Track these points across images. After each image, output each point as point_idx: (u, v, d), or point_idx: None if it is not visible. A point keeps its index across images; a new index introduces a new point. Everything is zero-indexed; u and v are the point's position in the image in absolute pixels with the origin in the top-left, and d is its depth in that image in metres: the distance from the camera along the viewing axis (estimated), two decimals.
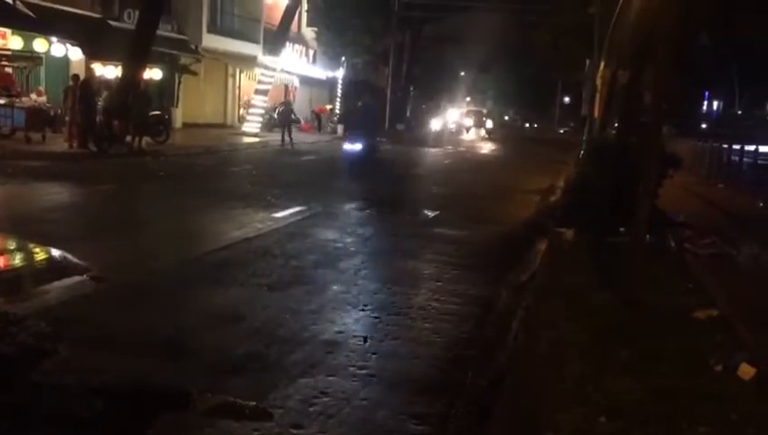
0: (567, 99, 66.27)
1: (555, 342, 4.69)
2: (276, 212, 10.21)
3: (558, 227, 9.67)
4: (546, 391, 3.88)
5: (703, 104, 50.94)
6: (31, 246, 7.15)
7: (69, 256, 6.68)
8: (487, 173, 20.60)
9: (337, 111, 35.77)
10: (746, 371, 4.17)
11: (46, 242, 7.19)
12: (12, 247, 7.15)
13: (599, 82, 22.35)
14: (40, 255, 6.93)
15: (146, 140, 18.30)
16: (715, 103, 51.84)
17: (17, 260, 6.83)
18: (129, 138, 17.52)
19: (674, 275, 6.97)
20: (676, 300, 5.93)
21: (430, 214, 11.38)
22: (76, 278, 6.07)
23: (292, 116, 25.62)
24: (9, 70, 18.90)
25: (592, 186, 10.04)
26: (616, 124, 14.68)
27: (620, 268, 6.92)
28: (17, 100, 17.53)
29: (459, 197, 14.11)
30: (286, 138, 23.70)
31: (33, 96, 18.40)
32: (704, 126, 44.13)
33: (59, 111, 18.00)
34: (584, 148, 17.85)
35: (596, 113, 21.11)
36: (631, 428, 3.37)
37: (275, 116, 26.78)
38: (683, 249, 8.41)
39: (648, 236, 8.26)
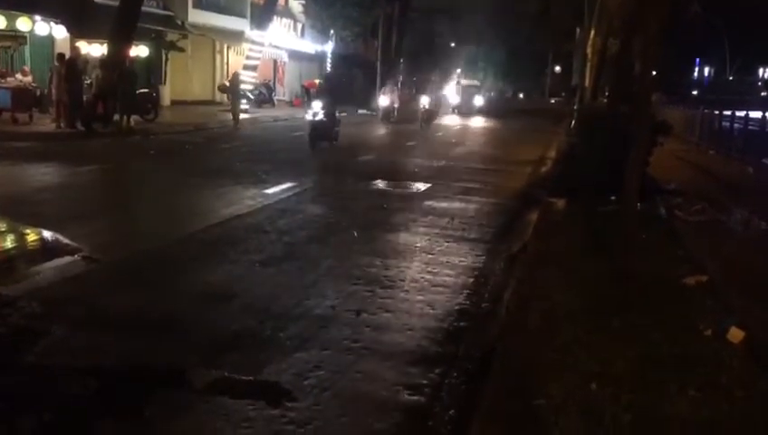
0: (558, 68, 66.03)
1: (547, 311, 4.72)
2: (267, 188, 10.18)
3: (549, 198, 9.71)
4: (538, 359, 3.92)
5: (693, 71, 50.87)
6: (21, 227, 7.11)
7: (60, 237, 6.65)
8: (478, 145, 20.58)
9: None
10: (736, 334, 4.22)
11: (37, 223, 7.15)
12: (2, 229, 7.10)
13: (589, 50, 22.30)
14: (31, 236, 6.90)
15: (134, 118, 18.15)
16: (706, 70, 51.79)
17: (8, 241, 6.80)
18: (117, 117, 17.36)
19: (664, 242, 7.02)
20: (666, 267, 5.97)
21: (421, 187, 11.37)
22: (68, 259, 6.05)
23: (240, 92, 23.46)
24: None
25: (583, 155, 10.07)
26: (606, 93, 14.67)
27: (611, 237, 6.97)
28: (2, 80, 17.32)
29: (450, 169, 14.08)
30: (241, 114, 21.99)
31: (19, 76, 18.18)
32: (694, 93, 44.11)
33: (45, 91, 17.80)
34: (575, 117, 17.84)
35: (587, 82, 21.08)
36: (621, 393, 3.41)
37: (226, 88, 24.00)
38: (673, 216, 8.46)
39: (638, 204, 8.32)
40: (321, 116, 15.27)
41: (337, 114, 16.29)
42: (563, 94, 55.64)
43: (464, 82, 44.93)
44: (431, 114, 25.71)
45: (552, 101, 60.64)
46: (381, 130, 24.61)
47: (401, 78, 44.47)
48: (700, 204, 9.00)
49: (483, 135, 25.80)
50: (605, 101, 14.30)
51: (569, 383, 3.54)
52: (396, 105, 27.71)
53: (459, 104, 38.11)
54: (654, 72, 10.09)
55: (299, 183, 10.79)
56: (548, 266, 5.88)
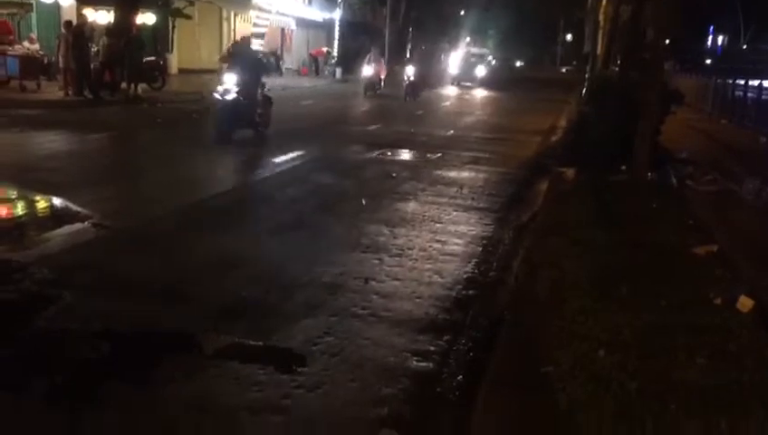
0: (569, 37, 65.14)
1: (555, 280, 4.71)
2: (275, 157, 10.15)
3: (559, 167, 9.64)
4: (546, 327, 3.92)
5: (707, 39, 50.05)
6: (31, 194, 7.13)
7: (70, 204, 6.67)
8: (488, 114, 20.41)
9: (334, 54, 35.19)
10: (745, 303, 4.20)
11: (46, 190, 7.18)
12: (13, 196, 7.13)
13: (601, 18, 21.97)
14: (41, 203, 6.92)
15: (142, 86, 18.07)
16: (720, 38, 50.95)
17: (19, 209, 6.83)
18: (124, 85, 17.29)
19: (674, 211, 6.97)
20: (676, 236, 5.94)
21: (431, 156, 11.31)
22: (77, 226, 6.08)
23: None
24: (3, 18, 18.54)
25: (594, 124, 9.97)
26: (618, 61, 14.48)
27: (621, 206, 6.92)
28: (10, 48, 17.24)
29: (460, 138, 14.00)
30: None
31: (26, 44, 18.08)
32: (708, 61, 43.46)
33: (52, 59, 17.72)
34: (586, 86, 17.64)
35: (598, 51, 20.80)
36: (629, 360, 3.41)
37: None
38: (684, 186, 8.39)
39: (649, 173, 8.27)
40: (233, 95, 11.21)
41: (261, 92, 12.21)
42: (574, 63, 54.96)
43: (464, 50, 41.66)
44: (416, 86, 22.96)
45: (563, 70, 59.96)
46: (355, 104, 21.84)
47: (410, 46, 43.56)
48: (711, 173, 8.92)
49: (491, 104, 25.46)
50: (617, 69, 14.12)
51: (576, 351, 3.54)
52: (382, 76, 25.01)
53: (459, 75, 34.73)
54: (666, 40, 9.93)
55: (306, 151, 10.75)
56: (557, 236, 5.86)
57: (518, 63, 66.81)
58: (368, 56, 26.02)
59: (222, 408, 3.23)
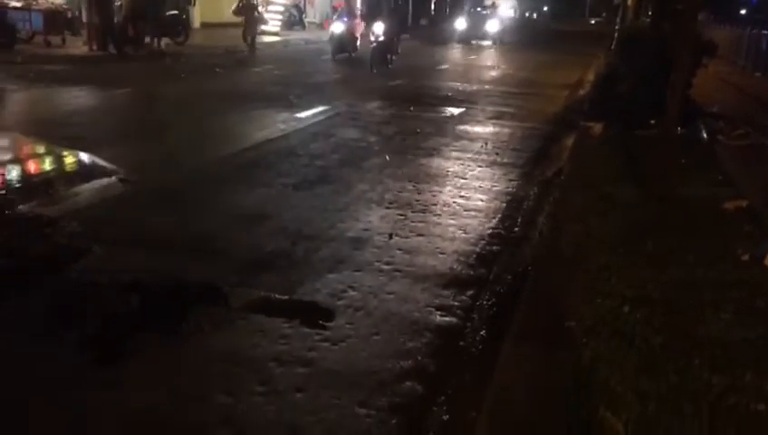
0: None
1: (581, 235, 4.68)
2: (299, 112, 10.12)
3: (586, 121, 9.48)
4: (570, 283, 3.91)
5: None
6: (59, 150, 7.22)
7: (96, 159, 6.75)
8: (514, 68, 20.03)
9: (358, 6, 34.61)
10: None
11: (73, 145, 7.26)
12: (41, 152, 7.23)
13: None
14: (68, 158, 7.01)
15: (165, 41, 18.03)
16: None
17: (47, 164, 6.93)
18: (148, 39, 17.25)
19: (704, 167, 6.84)
20: (705, 192, 5.85)
21: (455, 111, 11.19)
22: (105, 180, 6.16)
23: (256, 13, 20.26)
24: None
25: (623, 77, 9.76)
26: (650, 12, 14.06)
27: (650, 161, 6.81)
28: (34, 2, 17.23)
29: (484, 93, 13.80)
30: (249, 40, 19.52)
31: None
32: (742, 12, 42.00)
33: (76, 13, 17.71)
34: (616, 38, 17.21)
35: (629, 1, 20.20)
36: (654, 316, 3.40)
37: (234, 11, 20.53)
38: (715, 140, 8.21)
39: (679, 128, 8.09)
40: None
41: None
42: (604, 14, 53.47)
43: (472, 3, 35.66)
44: (384, 48, 16.98)
45: (593, 22, 58.41)
46: (312, 72, 17.00)
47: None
48: (743, 128, 8.71)
49: (517, 57, 24.83)
50: (648, 20, 13.72)
51: (600, 307, 3.54)
52: (357, 34, 19.36)
53: (465, 31, 30.07)
54: None
55: (331, 107, 10.70)
56: (583, 191, 5.80)
57: (542, 14, 64.14)
58: (339, 9, 21.13)
59: (249, 359, 3.29)
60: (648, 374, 2.87)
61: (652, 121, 8.52)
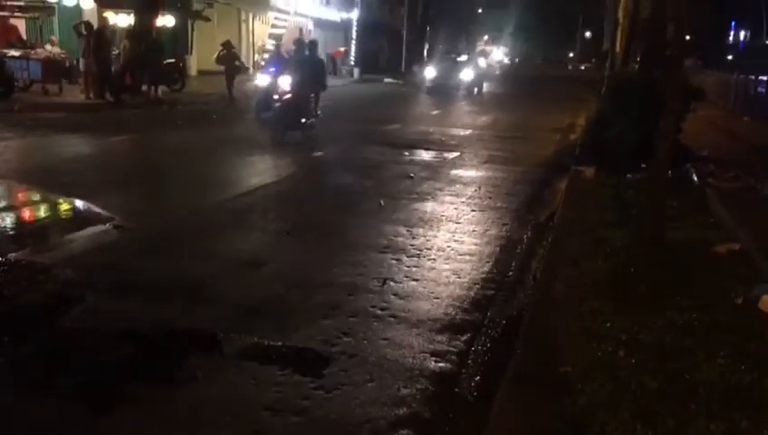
0: (588, 34, 64.67)
1: (574, 280, 4.70)
2: (294, 157, 10.21)
3: (578, 166, 9.59)
4: (565, 327, 3.91)
5: (729, 35, 49.38)
6: (54, 197, 7.25)
7: (92, 206, 6.78)
8: (505, 112, 20.31)
9: (352, 55, 35.27)
10: (767, 303, 4.15)
11: (69, 192, 7.29)
12: (36, 199, 7.25)
13: (620, 14, 21.75)
14: (63, 205, 7.03)
15: (161, 88, 18.26)
16: (742, 33, 50.22)
17: (42, 211, 6.94)
18: (144, 87, 17.48)
19: (695, 210, 6.90)
20: (697, 235, 5.89)
21: (448, 156, 11.30)
22: (100, 227, 6.17)
23: (236, 62, 19.41)
24: (14, 22, 18.81)
25: (614, 122, 9.90)
26: (638, 58, 14.34)
27: (642, 205, 6.86)
28: (33, 51, 17.50)
29: (477, 137, 13.97)
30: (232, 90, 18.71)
31: (48, 47, 18.35)
32: (729, 57, 42.87)
33: (74, 62, 17.96)
34: (606, 83, 17.51)
35: (617, 48, 20.61)
36: (649, 360, 3.40)
37: (215, 60, 19.56)
38: (706, 184, 8.30)
39: (669, 171, 8.15)
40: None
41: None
42: (593, 60, 54.52)
43: (445, 51, 33.09)
44: (294, 109, 12.23)
45: (582, 67, 59.48)
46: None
47: (427, 47, 42.23)
48: (734, 171, 8.81)
49: (508, 102, 25.12)
50: (636, 66, 13.99)
51: (595, 351, 3.53)
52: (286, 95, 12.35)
53: (434, 82, 26.48)
54: (687, 37, 9.82)
55: (324, 152, 10.80)
56: (576, 235, 5.84)
57: (530, 59, 64.29)
58: (269, 56, 18.64)
59: (242, 408, 3.26)
60: (645, 419, 2.85)
61: (643, 165, 8.60)
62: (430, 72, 27.43)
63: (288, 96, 12.21)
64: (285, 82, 12.42)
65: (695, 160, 9.32)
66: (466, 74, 27.17)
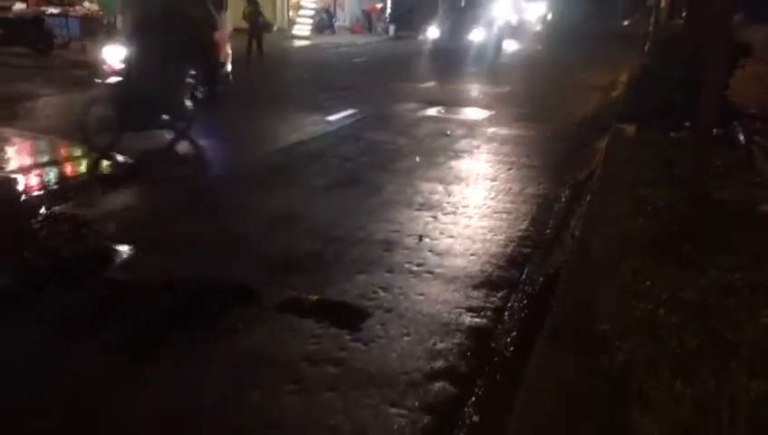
0: None
1: (614, 238, 4.62)
2: (329, 115, 10.17)
3: (620, 123, 9.36)
4: (604, 286, 3.86)
5: None
6: (95, 154, 7.35)
7: (130, 162, 6.86)
8: (544, 70, 19.86)
9: (388, 10, 34.68)
10: None
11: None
12: (77, 154, 7.37)
13: None
14: (103, 161, 7.13)
15: None
16: None
17: (83, 167, 7.06)
18: None
19: (741, 169, 6.70)
20: (742, 194, 5.72)
21: (485, 113, 11.14)
22: (140, 183, 6.26)
23: (260, 19, 18.54)
24: None
25: (658, 79, 9.60)
26: (684, 12, 13.84)
27: (685, 163, 6.69)
28: (71, 9, 17.63)
29: (515, 95, 13.72)
30: (253, 47, 18.05)
31: (86, 4, 18.48)
32: None
33: (112, 19, 18.02)
34: (650, 39, 16.99)
35: (663, 2, 19.90)
36: (690, 319, 3.34)
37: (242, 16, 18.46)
38: (752, 142, 8.04)
39: (715, 129, 7.92)
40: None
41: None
42: (636, 16, 52.76)
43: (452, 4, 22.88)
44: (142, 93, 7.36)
45: (626, 23, 57.59)
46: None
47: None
48: None
49: (547, 59, 24.55)
50: (682, 21, 13.51)
51: (635, 310, 3.49)
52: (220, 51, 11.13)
53: (439, 40, 21.13)
54: None
55: (360, 109, 10.73)
56: (616, 194, 5.73)
57: (558, 16, 57.44)
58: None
59: (281, 358, 3.32)
60: (684, 378, 2.82)
61: (687, 123, 8.36)
62: (433, 32, 21.68)
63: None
64: (118, 53, 8.15)
65: (741, 118, 9.00)
66: (478, 33, 21.10)
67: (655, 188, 5.79)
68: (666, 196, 5.52)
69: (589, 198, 5.96)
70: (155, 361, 3.28)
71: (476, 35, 21.04)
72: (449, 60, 19.04)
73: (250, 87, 13.56)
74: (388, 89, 13.87)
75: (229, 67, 11.02)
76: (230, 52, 11.08)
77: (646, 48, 15.71)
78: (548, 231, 5.48)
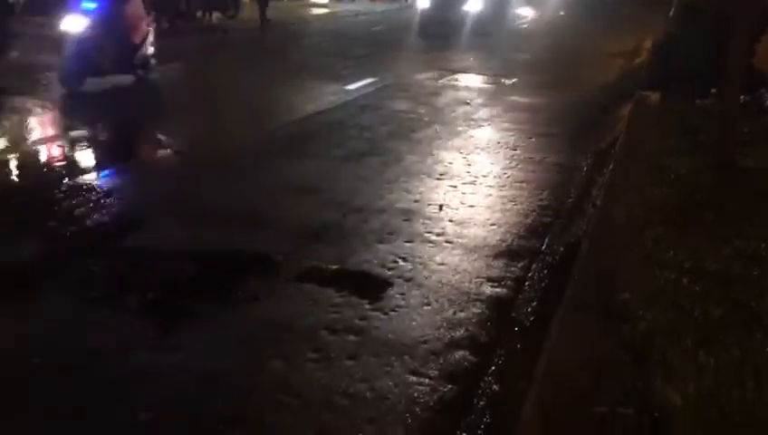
0: None
1: (636, 206, 4.57)
2: (348, 84, 10.10)
3: (643, 91, 9.19)
4: (625, 255, 3.83)
5: None
6: (117, 123, 7.39)
7: (152, 133, 6.90)
8: (567, 37, 19.51)
9: None
10: None
11: (130, 119, 7.42)
12: (101, 125, 7.40)
13: None
14: (125, 131, 7.17)
15: (216, 15, 18.18)
16: None
17: (106, 137, 7.10)
18: (199, 13, 17.43)
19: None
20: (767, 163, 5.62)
21: (506, 81, 11.00)
22: (160, 153, 6.30)
23: None
24: None
25: (682, 45, 9.38)
26: None
27: (710, 131, 6.58)
28: None
29: (537, 62, 13.51)
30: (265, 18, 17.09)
31: None
32: None
33: None
34: (675, 4, 16.60)
35: None
36: (714, 289, 3.31)
37: None
38: None
39: (741, 96, 7.75)
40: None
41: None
42: None
43: None
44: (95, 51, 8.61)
45: None
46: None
47: None
48: None
49: (570, 26, 24.14)
50: None
51: (657, 279, 3.46)
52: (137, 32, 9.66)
53: (427, 14, 18.23)
54: None
55: (379, 78, 10.64)
56: (639, 162, 5.65)
57: None
58: None
59: (302, 327, 3.34)
60: (708, 348, 2.80)
61: (713, 90, 8.19)
62: (423, 2, 18.54)
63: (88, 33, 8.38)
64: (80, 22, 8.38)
65: None
66: (473, 4, 18.37)
67: (679, 155, 5.70)
68: (690, 164, 5.44)
69: (611, 166, 5.89)
70: (176, 327, 3.32)
71: (472, 5, 18.37)
72: (446, 30, 16.80)
73: (266, 56, 13.50)
74: (408, 57, 13.73)
75: (150, 50, 9.78)
76: (150, 30, 9.89)
77: (670, 14, 15.36)
78: (569, 200, 5.43)
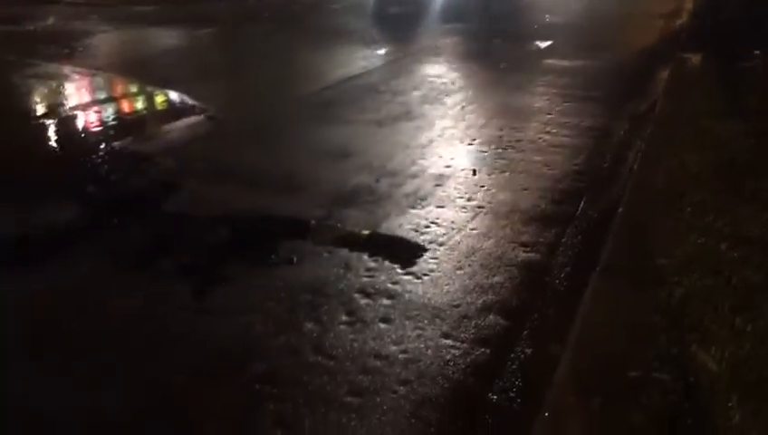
0: None
1: (675, 172, 4.47)
2: (380, 49, 10.01)
3: (683, 53, 8.93)
4: (663, 220, 3.77)
5: None
6: (151, 88, 7.46)
7: (187, 98, 6.95)
8: None
9: None
10: None
11: (164, 85, 7.48)
12: (135, 91, 7.50)
13: None
14: (160, 97, 7.25)
15: None
16: None
17: (141, 103, 7.19)
18: None
19: None
20: None
21: (541, 44, 10.77)
22: (194, 118, 6.35)
23: None
24: None
25: (725, 5, 9.08)
26: None
27: (752, 94, 6.38)
28: None
29: (573, 24, 13.19)
30: None
31: None
32: None
33: None
34: None
35: None
36: (753, 255, 3.24)
37: None
38: None
39: None
40: None
41: None
42: None
43: None
44: None
45: None
46: None
47: None
48: None
49: None
50: None
51: (695, 244, 3.40)
52: None
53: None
54: None
55: (412, 42, 10.52)
56: (678, 126, 5.51)
57: None
58: None
59: (335, 290, 3.38)
60: (745, 313, 2.76)
61: (757, 52, 7.93)
62: None
63: None
64: None
65: None
66: None
67: (719, 119, 5.55)
68: (731, 128, 5.29)
69: (649, 130, 5.76)
70: (212, 290, 3.39)
71: None
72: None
73: (296, 18, 13.42)
74: (440, 20, 13.52)
75: None
76: None
77: None
78: (605, 165, 5.34)
